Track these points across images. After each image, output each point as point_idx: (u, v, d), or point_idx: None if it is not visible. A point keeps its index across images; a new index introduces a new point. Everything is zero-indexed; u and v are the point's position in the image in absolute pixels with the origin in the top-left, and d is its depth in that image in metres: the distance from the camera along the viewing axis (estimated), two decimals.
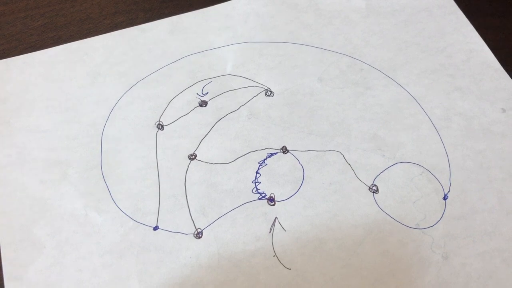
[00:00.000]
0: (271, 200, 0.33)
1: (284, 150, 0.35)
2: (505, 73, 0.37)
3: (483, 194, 0.33)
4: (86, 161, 0.34)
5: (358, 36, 0.40)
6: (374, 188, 0.33)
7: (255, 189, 0.33)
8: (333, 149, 0.35)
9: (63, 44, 0.39)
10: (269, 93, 0.37)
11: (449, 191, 0.33)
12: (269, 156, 0.34)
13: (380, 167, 0.34)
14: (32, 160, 0.34)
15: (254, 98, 0.37)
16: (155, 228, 0.32)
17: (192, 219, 0.32)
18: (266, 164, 0.34)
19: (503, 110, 0.36)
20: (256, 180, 0.33)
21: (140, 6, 0.42)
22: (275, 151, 0.35)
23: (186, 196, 0.33)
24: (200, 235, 0.32)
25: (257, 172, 0.34)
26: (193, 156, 0.35)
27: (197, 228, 0.32)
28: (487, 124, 0.35)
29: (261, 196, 0.33)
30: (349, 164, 0.34)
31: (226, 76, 0.38)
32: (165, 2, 0.42)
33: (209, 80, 0.38)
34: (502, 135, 0.35)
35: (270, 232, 0.32)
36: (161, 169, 0.34)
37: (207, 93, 0.37)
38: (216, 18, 0.41)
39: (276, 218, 0.32)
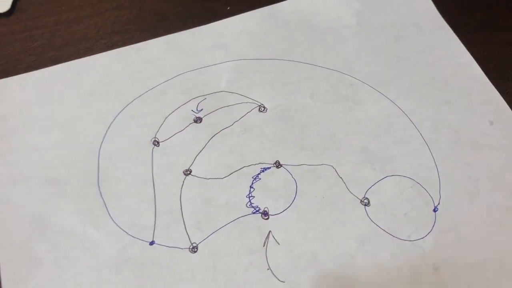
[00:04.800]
0: (265, 214, 0.33)
1: (278, 164, 0.35)
2: (492, 86, 0.38)
3: (472, 205, 0.33)
4: (83, 178, 0.35)
5: (349, 52, 0.41)
6: (365, 201, 0.34)
7: (249, 203, 0.34)
8: (325, 163, 0.35)
9: (61, 63, 0.40)
10: (263, 109, 0.38)
11: (439, 203, 0.33)
12: (263, 171, 0.35)
13: (371, 180, 0.35)
14: (31, 178, 0.35)
15: (248, 114, 0.38)
16: (151, 243, 0.33)
17: (187, 233, 0.33)
18: (260, 179, 0.35)
19: (491, 123, 0.37)
20: (250, 195, 0.34)
21: (135, 26, 0.43)
22: (269, 166, 0.35)
23: (182, 211, 0.34)
24: (196, 250, 0.32)
25: (251, 187, 0.34)
26: (188, 172, 0.35)
27: (192, 242, 0.32)
28: (475, 137, 0.36)
29: (255, 210, 0.34)
30: (340, 177, 0.35)
31: (220, 92, 0.39)
32: (160, 22, 0.43)
33: (204, 97, 0.39)
34: (490, 147, 0.35)
35: (264, 245, 0.32)
36: (157, 185, 0.35)
37: (202, 109, 0.38)
38: (210, 36, 0.42)
39: (270, 231, 0.33)
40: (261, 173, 0.35)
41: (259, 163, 0.36)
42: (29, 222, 0.33)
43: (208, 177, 0.35)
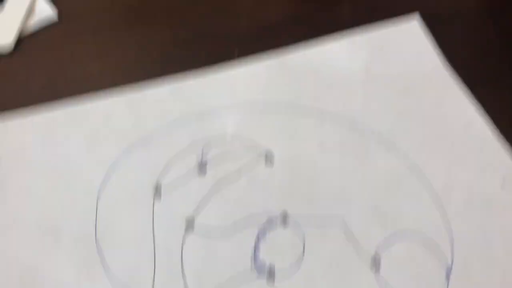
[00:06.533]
0: (271, 277, 0.32)
1: (284, 220, 0.34)
2: (503, 145, 0.37)
3: (487, 270, 0.32)
4: (80, 228, 0.33)
5: (358, 102, 0.40)
6: (375, 263, 0.32)
7: (253, 263, 0.32)
8: (334, 220, 0.34)
9: (63, 103, 0.39)
10: (270, 155, 0.37)
11: (452, 267, 0.32)
12: (269, 227, 0.34)
13: (381, 240, 0.33)
14: (25, 226, 0.33)
15: (254, 161, 0.37)
16: None
17: None
18: (266, 236, 0.33)
19: (502, 183, 0.36)
20: (255, 253, 0.33)
21: (140, 67, 0.42)
22: (275, 221, 0.34)
23: (182, 267, 0.32)
24: None
25: (256, 244, 0.33)
26: (191, 220, 0.34)
27: None
28: (487, 197, 0.35)
29: (260, 271, 0.32)
30: (350, 237, 0.33)
31: (225, 138, 0.38)
32: (166, 64, 0.42)
33: (208, 142, 0.37)
34: (503, 208, 0.34)
35: None
36: (157, 237, 0.33)
37: (207, 155, 0.37)
38: (217, 81, 0.41)
39: None
40: (267, 230, 0.33)
41: (265, 217, 0.34)
42: (20, 275, 0.31)
43: (211, 229, 0.33)
